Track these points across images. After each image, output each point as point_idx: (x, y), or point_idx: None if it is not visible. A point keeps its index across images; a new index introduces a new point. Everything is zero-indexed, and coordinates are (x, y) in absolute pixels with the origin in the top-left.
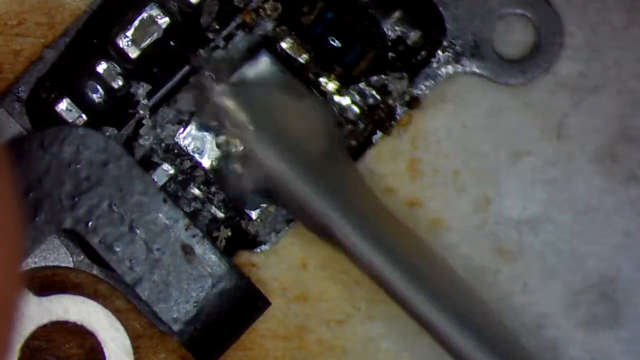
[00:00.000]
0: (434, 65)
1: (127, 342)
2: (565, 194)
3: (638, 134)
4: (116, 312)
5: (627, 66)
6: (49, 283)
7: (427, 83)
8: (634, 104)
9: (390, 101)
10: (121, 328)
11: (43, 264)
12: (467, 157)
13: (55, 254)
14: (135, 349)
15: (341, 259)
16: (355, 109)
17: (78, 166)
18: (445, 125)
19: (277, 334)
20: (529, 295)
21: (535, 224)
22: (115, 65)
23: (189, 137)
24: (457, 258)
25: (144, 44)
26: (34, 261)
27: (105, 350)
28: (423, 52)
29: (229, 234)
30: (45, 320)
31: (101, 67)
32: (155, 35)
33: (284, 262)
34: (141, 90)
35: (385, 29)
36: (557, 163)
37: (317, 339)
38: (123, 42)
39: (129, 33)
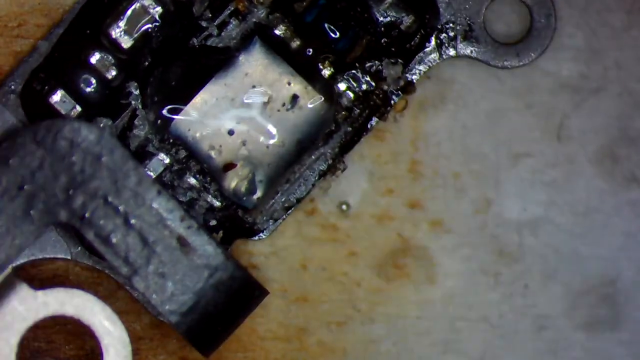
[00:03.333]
0: (428, 49)
1: (124, 334)
2: (566, 195)
3: (638, 136)
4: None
5: (627, 67)
6: (47, 277)
7: (421, 68)
8: (634, 105)
9: (385, 87)
10: (118, 321)
11: (40, 257)
12: (467, 158)
13: (53, 246)
14: (136, 350)
15: (341, 261)
16: (350, 94)
17: (72, 159)
18: (445, 127)
19: (277, 336)
20: (529, 297)
21: (536, 226)
22: (109, 55)
23: None
24: (458, 260)
25: (137, 34)
26: (31, 253)
27: (102, 343)
28: (417, 37)
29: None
30: (41, 314)
31: (94, 58)
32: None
33: (284, 264)
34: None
35: (378, 15)
36: (558, 164)
37: (318, 340)
38: (116, 33)
39: (122, 23)
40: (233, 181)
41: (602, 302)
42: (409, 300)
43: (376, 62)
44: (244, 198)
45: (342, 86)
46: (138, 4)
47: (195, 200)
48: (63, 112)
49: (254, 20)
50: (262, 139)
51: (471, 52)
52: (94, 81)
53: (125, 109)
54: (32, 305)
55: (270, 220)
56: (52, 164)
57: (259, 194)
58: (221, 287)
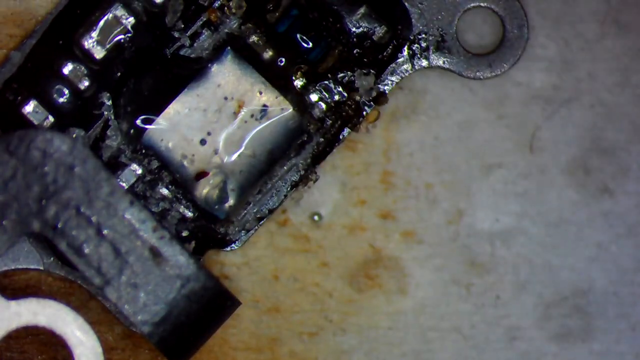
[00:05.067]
0: (400, 60)
1: (96, 344)
2: (538, 206)
3: (610, 147)
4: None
5: (599, 78)
6: (20, 287)
7: (393, 78)
8: (606, 116)
9: (357, 97)
10: (90, 331)
11: (13, 267)
12: (439, 169)
13: (26, 257)
14: None
15: (313, 271)
16: (322, 105)
17: (45, 169)
18: (417, 138)
19: (249, 346)
20: (501, 308)
21: (508, 237)
22: (81, 66)
23: None
24: (429, 270)
25: (109, 45)
26: (4, 263)
27: (74, 353)
28: (389, 48)
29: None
30: (14, 324)
31: (67, 69)
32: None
33: (256, 274)
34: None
35: (350, 25)
36: (530, 175)
37: (289, 350)
38: (88, 43)
39: (94, 34)
40: (205, 189)
41: (574, 313)
42: (380, 311)
43: (348, 72)
44: (216, 206)
45: (314, 97)
46: (110, 15)
47: (167, 211)
48: (36, 122)
49: (226, 30)
50: (233, 148)
51: (443, 62)
52: (66, 92)
53: (98, 120)
54: (4, 316)
55: (242, 231)
56: (24, 174)
57: (230, 202)
58: (193, 298)
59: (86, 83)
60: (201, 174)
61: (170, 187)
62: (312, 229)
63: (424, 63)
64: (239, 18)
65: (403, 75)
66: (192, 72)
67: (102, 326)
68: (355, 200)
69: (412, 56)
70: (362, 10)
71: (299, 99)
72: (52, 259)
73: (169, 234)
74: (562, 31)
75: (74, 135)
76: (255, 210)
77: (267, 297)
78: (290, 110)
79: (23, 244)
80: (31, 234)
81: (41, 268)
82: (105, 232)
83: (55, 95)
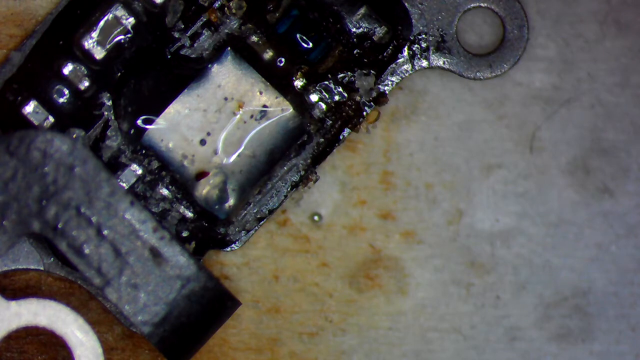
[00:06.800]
0: (400, 60)
1: (96, 344)
2: (538, 206)
3: (610, 147)
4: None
5: (599, 79)
6: (20, 287)
7: (393, 79)
8: (606, 116)
9: (357, 98)
10: (90, 331)
11: (13, 267)
12: (439, 169)
13: (26, 257)
14: None
15: (313, 271)
16: (323, 105)
17: (45, 170)
18: (417, 138)
19: (249, 346)
20: (501, 308)
21: (508, 237)
22: (82, 66)
23: None
24: (429, 271)
25: (110, 45)
26: (4, 264)
27: (74, 353)
28: (389, 48)
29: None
30: (14, 325)
31: (67, 69)
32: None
33: (256, 275)
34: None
35: (350, 26)
36: (530, 175)
37: (289, 351)
38: (88, 44)
39: (95, 34)
40: (205, 189)
41: (574, 313)
42: (380, 311)
43: (348, 73)
44: (216, 206)
45: (314, 97)
46: (111, 15)
47: (167, 211)
48: (36, 122)
49: (227, 31)
50: (233, 149)
51: (443, 63)
52: (66, 92)
53: (98, 120)
54: (4, 316)
55: (243, 232)
56: (25, 174)
57: (230, 202)
58: (193, 298)
59: (86, 83)
60: (201, 174)
61: (170, 187)
62: (312, 229)
63: (424, 63)
64: (239, 18)
65: (403, 76)
66: (192, 72)
67: (102, 326)
68: (355, 200)
69: (412, 56)
70: (362, 10)
71: (299, 100)
72: (52, 259)
73: (169, 235)
74: (562, 31)
75: (74, 136)
76: (255, 211)
77: (267, 297)
78: (290, 110)
79: (23, 244)
80: (31, 234)
81: (41, 268)
82: (105, 232)
83: (55, 96)
